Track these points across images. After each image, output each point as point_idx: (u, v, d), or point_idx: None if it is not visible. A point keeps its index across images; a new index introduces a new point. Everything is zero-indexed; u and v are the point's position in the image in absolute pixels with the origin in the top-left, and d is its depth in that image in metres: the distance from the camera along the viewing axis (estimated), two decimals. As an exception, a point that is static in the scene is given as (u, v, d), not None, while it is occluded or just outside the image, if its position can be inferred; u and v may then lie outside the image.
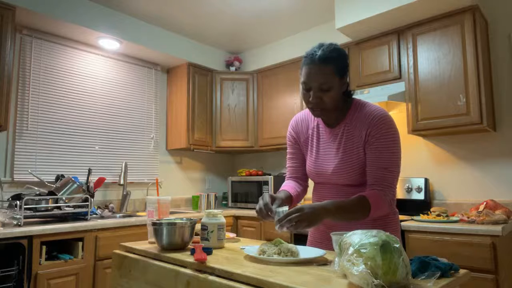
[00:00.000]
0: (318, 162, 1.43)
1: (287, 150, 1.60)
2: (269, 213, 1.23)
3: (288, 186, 1.51)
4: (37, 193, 2.43)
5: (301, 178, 1.56)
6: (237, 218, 3.37)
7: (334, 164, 1.38)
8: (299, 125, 1.53)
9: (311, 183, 1.56)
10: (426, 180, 2.77)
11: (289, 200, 1.42)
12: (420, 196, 2.75)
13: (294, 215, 1.14)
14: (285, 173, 3.83)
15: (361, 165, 1.33)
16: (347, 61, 1.35)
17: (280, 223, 1.16)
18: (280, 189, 1.50)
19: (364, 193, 1.27)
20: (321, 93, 1.30)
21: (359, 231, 0.92)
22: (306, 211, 1.15)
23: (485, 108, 2.35)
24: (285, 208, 1.20)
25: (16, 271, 2.06)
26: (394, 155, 1.29)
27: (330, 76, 1.28)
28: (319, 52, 1.29)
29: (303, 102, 2.73)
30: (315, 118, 1.48)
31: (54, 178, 2.77)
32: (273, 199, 1.29)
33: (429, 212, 2.47)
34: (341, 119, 1.39)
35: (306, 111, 1.54)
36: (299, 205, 1.18)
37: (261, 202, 1.27)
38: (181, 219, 1.39)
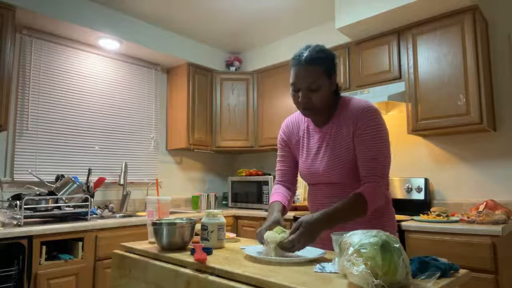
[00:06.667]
0: (308, 162, 1.45)
1: (278, 153, 1.60)
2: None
3: (279, 195, 1.49)
4: (37, 193, 2.43)
5: (290, 182, 1.57)
6: (237, 218, 3.37)
7: (324, 162, 1.39)
8: (290, 128, 1.54)
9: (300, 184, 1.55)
10: (426, 180, 2.77)
11: (284, 212, 1.43)
12: (420, 196, 2.75)
13: (294, 238, 1.14)
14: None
15: (352, 161, 1.34)
16: (335, 61, 1.37)
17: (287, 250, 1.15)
18: (272, 198, 1.49)
19: (359, 190, 1.27)
20: (310, 93, 1.32)
21: (359, 231, 0.92)
22: (301, 231, 1.14)
23: (485, 108, 2.35)
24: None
25: (16, 271, 2.06)
26: (382, 144, 1.30)
27: (318, 76, 1.30)
28: (305, 53, 1.32)
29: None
30: (305, 120, 1.50)
31: (54, 178, 2.76)
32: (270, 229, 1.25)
33: (429, 212, 2.47)
34: (330, 118, 1.41)
35: (297, 114, 1.55)
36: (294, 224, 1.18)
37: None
38: (181, 219, 1.39)
